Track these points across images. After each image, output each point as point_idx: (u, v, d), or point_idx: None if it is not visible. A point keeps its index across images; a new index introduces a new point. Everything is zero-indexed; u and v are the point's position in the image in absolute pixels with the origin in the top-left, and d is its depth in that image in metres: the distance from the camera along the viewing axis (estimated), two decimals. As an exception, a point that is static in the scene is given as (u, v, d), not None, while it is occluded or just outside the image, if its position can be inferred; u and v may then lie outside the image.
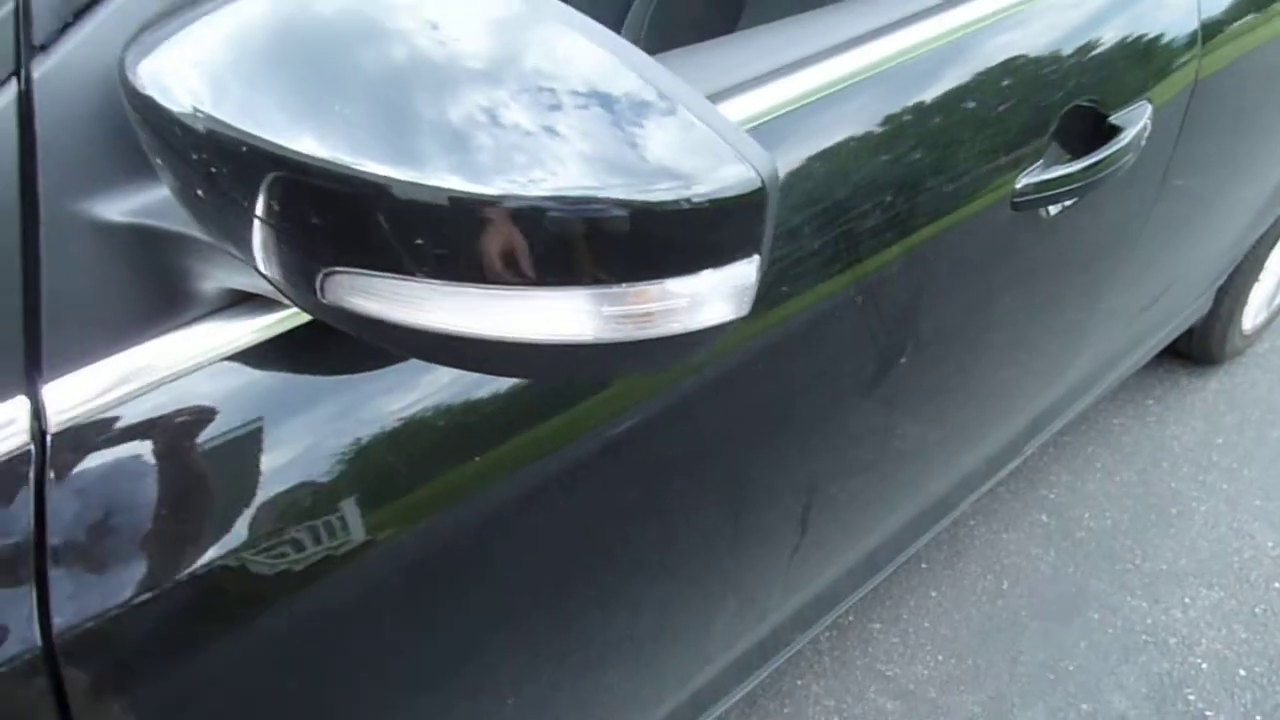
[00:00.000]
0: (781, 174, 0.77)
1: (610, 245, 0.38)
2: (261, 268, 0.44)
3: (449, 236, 0.39)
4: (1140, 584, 1.61)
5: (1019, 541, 1.68)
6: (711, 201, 0.38)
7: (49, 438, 0.48)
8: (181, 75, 0.42)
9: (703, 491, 0.84)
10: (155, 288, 0.49)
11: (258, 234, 0.42)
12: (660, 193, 0.38)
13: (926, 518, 1.27)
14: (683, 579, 0.89)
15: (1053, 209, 0.99)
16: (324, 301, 0.41)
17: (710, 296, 0.41)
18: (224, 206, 0.42)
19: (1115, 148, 0.96)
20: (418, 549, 0.61)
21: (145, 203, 0.48)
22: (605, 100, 0.39)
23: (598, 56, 0.40)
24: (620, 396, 0.70)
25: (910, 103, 0.85)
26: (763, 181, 0.39)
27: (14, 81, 0.45)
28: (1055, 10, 0.95)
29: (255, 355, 0.53)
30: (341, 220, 0.40)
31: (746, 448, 0.85)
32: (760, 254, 0.41)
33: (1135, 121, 0.99)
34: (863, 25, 0.83)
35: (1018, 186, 0.92)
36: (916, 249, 0.88)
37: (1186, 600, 1.59)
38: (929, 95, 0.86)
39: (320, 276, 0.40)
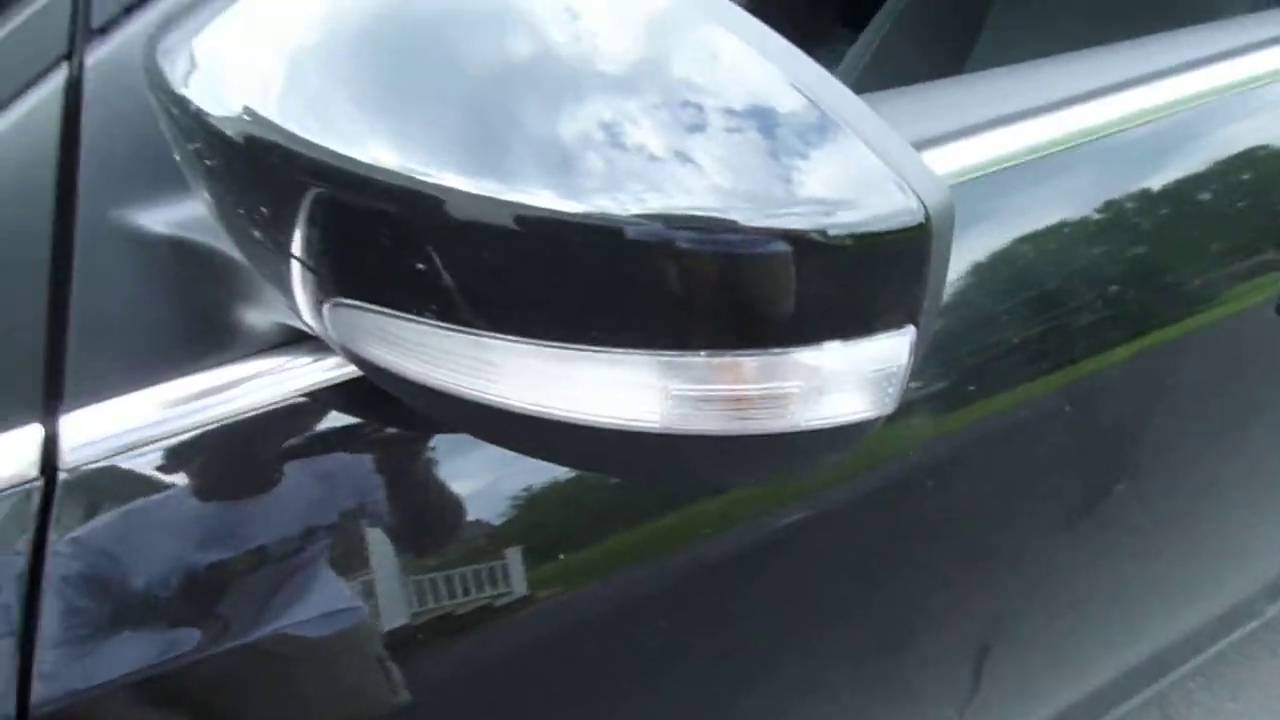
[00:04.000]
0: (987, 247, 0.64)
1: (686, 292, 0.27)
2: (294, 305, 0.36)
3: (494, 266, 0.29)
4: None
5: (1251, 716, 1.40)
6: (850, 237, 0.27)
7: (60, 474, 0.41)
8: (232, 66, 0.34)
9: (854, 624, 0.70)
10: (197, 314, 0.43)
11: (294, 263, 0.34)
12: (764, 218, 0.27)
13: (1134, 679, 1.05)
14: None
15: (1331, 318, 0.80)
16: (334, 340, 0.32)
17: (837, 382, 0.29)
18: (257, 228, 0.34)
19: None
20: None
21: (193, 214, 0.41)
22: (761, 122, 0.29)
23: (760, 68, 0.30)
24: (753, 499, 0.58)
25: (1156, 176, 0.70)
26: (927, 216, 0.27)
27: (64, 66, 0.39)
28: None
29: (320, 399, 0.45)
30: (379, 243, 0.31)
31: (910, 574, 0.70)
32: (918, 325, 0.28)
33: None
34: (1108, 77, 0.69)
35: (1288, 288, 0.75)
36: (1148, 353, 0.72)
37: None
38: (1181, 168, 0.71)
39: (327, 308, 0.31)
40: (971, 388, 0.63)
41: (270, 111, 0.31)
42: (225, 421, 0.44)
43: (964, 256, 0.64)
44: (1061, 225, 0.67)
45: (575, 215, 0.28)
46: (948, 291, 0.63)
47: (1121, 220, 0.69)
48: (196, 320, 0.43)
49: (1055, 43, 0.86)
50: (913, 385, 0.62)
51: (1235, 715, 1.40)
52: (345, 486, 0.45)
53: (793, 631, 0.66)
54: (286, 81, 0.32)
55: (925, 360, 0.62)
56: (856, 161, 0.28)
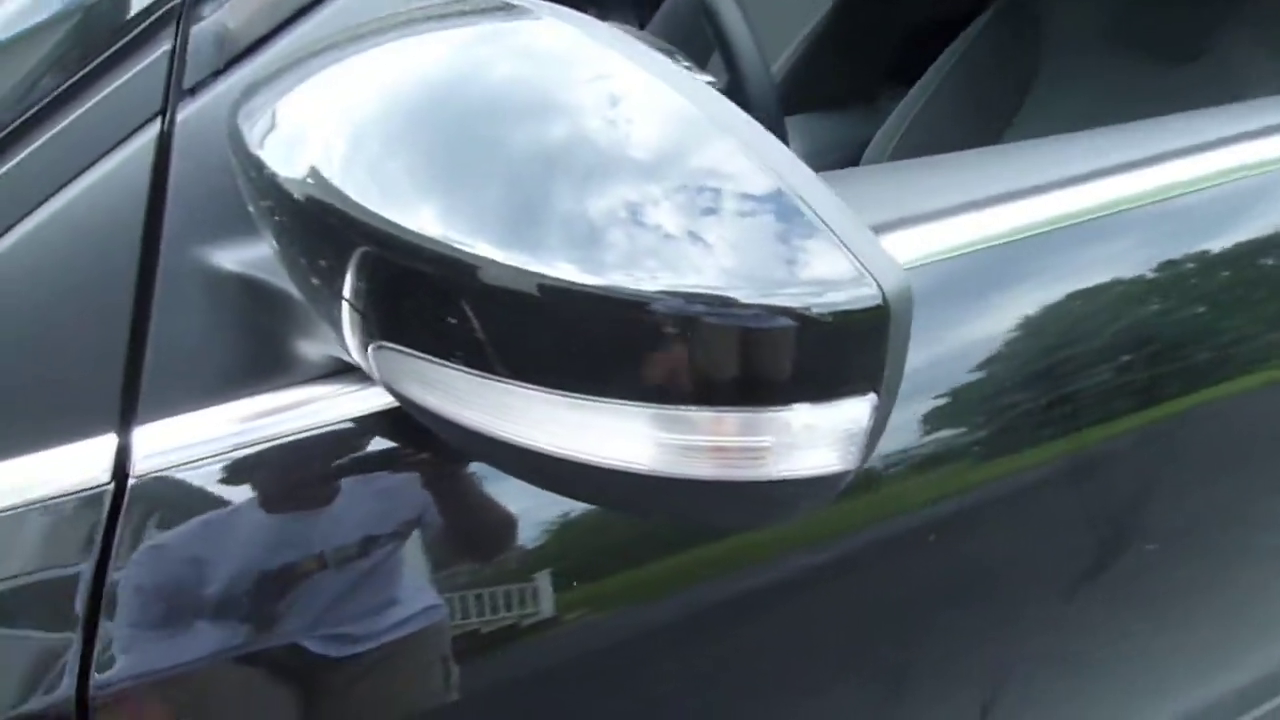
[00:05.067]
0: (1023, 309, 0.67)
1: (674, 356, 0.32)
2: (344, 343, 0.40)
3: (517, 324, 0.34)
4: None
5: (1277, 795, 1.38)
6: (830, 315, 0.32)
7: (130, 481, 0.46)
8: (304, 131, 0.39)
9: (859, 671, 0.72)
10: (259, 343, 0.47)
11: (345, 308, 0.39)
12: (762, 297, 0.32)
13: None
14: None
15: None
16: (376, 376, 0.37)
17: (807, 438, 0.33)
18: (315, 275, 0.39)
19: None
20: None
21: (261, 255, 0.46)
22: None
23: (758, 170, 0.35)
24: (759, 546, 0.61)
25: (1187, 247, 0.73)
26: (885, 300, 0.31)
27: (158, 121, 0.45)
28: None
29: (364, 425, 0.50)
30: (418, 298, 0.36)
31: (914, 628, 0.72)
32: (878, 393, 0.33)
33: None
34: (1137, 151, 0.72)
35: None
36: (1165, 422, 0.74)
37: None
38: (1213, 241, 0.74)
39: (371, 348, 0.36)
40: (985, 446, 0.65)
41: (334, 177, 0.36)
42: (279, 441, 0.48)
43: (984, 319, 0.68)
44: (1083, 293, 0.69)
45: (590, 287, 0.32)
46: (967, 353, 0.66)
47: (1153, 290, 0.71)
48: (259, 348, 0.48)
49: (1096, 114, 0.89)
50: (925, 442, 0.65)
51: (1261, 792, 1.38)
52: (385, 505, 0.49)
53: (797, 677, 0.69)
54: (350, 151, 0.37)
55: (950, 415, 0.66)
56: (833, 253, 0.32)
